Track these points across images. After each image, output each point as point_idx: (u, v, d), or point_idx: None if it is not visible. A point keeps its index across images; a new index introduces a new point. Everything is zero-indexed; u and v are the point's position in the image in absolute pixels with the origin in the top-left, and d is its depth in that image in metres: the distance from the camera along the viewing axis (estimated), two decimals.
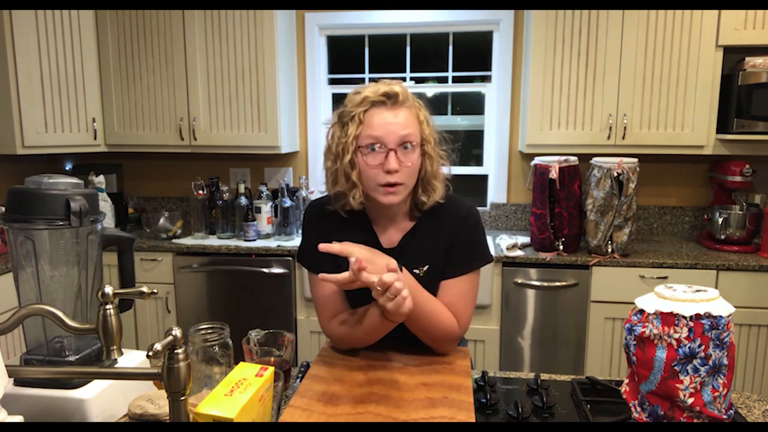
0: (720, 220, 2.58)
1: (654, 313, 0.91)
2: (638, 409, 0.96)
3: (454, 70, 3.13)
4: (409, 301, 1.06)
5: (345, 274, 1.07)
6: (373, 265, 1.11)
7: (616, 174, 2.43)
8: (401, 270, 1.15)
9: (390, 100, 1.18)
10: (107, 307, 0.82)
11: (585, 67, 2.62)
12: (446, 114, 3.24)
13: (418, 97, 1.27)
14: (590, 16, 2.58)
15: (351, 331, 1.21)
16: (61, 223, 0.95)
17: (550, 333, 2.56)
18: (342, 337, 1.24)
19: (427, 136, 1.23)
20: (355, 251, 1.11)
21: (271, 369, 0.89)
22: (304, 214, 1.36)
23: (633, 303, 0.96)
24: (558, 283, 2.51)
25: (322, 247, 1.11)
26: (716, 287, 2.40)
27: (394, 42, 3.15)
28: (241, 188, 2.85)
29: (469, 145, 3.21)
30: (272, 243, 2.73)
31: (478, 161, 3.20)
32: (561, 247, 2.54)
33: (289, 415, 0.95)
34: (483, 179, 3.18)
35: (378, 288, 1.04)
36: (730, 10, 2.49)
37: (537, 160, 2.57)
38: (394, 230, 1.29)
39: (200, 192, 2.88)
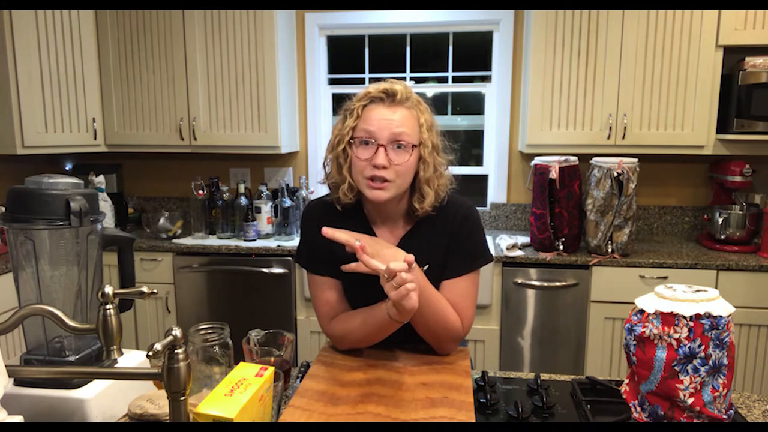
0: (720, 220, 2.58)
1: (654, 313, 0.91)
2: (638, 409, 0.96)
3: (454, 70, 3.13)
4: (414, 296, 1.05)
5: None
6: (378, 256, 1.11)
7: (616, 174, 2.43)
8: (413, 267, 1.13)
9: (389, 97, 1.19)
10: (107, 307, 0.82)
11: (585, 67, 2.62)
12: (446, 114, 3.24)
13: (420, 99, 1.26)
14: (590, 16, 2.58)
15: (354, 330, 1.21)
16: (61, 223, 0.95)
17: (550, 333, 2.56)
18: (343, 336, 1.23)
19: (425, 140, 1.21)
20: (361, 239, 1.12)
21: (271, 369, 0.89)
22: (302, 214, 1.36)
23: (633, 303, 0.96)
24: (558, 283, 2.51)
25: (326, 231, 1.12)
26: (716, 287, 2.40)
27: (394, 42, 3.15)
28: (241, 188, 2.85)
29: (469, 145, 3.21)
30: (272, 243, 2.73)
31: (478, 161, 3.20)
32: (561, 247, 2.54)
33: (289, 415, 0.95)
34: (483, 179, 3.18)
35: (384, 275, 1.05)
36: (730, 10, 2.49)
37: (537, 160, 2.57)
38: (393, 230, 1.29)
39: (200, 192, 2.88)
